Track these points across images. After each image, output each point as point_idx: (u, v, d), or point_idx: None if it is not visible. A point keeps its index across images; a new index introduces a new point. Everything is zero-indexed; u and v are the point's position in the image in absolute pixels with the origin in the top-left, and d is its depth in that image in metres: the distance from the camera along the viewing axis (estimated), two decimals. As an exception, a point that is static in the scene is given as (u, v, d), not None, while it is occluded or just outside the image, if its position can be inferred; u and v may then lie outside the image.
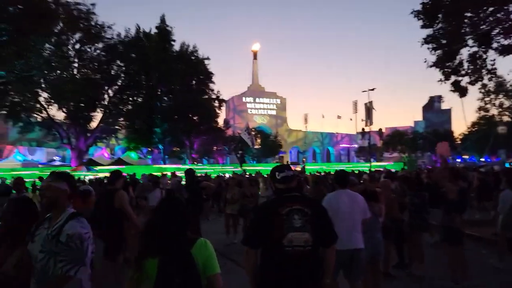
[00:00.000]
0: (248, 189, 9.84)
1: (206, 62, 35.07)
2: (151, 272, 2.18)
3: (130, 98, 33.29)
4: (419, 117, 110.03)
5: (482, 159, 62.72)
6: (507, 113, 51.66)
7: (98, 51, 33.31)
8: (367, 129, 33.67)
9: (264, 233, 2.74)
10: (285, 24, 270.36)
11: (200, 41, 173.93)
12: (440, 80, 12.52)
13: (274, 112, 79.54)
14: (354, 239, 4.13)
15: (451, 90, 12.49)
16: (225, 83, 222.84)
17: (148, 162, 33.78)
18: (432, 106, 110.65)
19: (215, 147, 44.53)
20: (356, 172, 20.86)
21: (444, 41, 11.15)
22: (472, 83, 12.44)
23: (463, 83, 12.59)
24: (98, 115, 33.97)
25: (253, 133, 52.73)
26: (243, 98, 77.47)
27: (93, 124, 33.53)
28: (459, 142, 65.07)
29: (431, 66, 12.08)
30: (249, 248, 2.83)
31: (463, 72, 12.20)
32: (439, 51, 11.39)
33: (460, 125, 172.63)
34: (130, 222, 5.04)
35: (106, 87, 33.74)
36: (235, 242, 8.56)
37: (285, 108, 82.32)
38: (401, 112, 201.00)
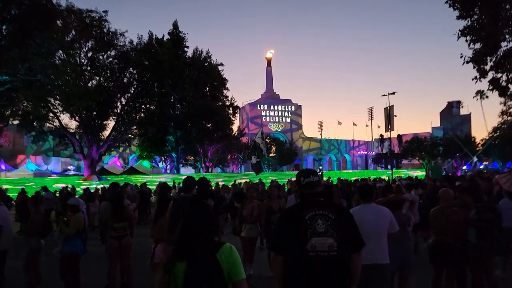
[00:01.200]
0: (276, 202, 7.49)
1: (219, 68, 34.36)
2: (179, 276, 2.22)
3: (143, 106, 32.70)
4: (436, 123, 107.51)
5: (506, 166, 60.38)
6: (532, 117, 49.50)
7: (110, 58, 33.07)
8: (386, 135, 32.37)
9: (288, 238, 2.75)
10: (299, 30, 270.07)
11: (214, 48, 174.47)
12: (476, 78, 11.31)
13: (289, 120, 78.46)
14: (378, 254, 3.94)
15: (490, 89, 11.26)
16: (239, 91, 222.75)
17: (161, 171, 33.06)
18: (450, 111, 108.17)
19: (229, 155, 43.65)
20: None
21: (483, 33, 9.99)
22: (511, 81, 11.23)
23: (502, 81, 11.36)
24: (111, 124, 33.76)
25: (267, 140, 52.11)
26: (258, 106, 76.61)
27: (106, 133, 33.27)
28: (480, 148, 62.89)
29: (468, 62, 10.90)
30: (276, 254, 2.82)
31: (503, 68, 10.99)
32: (478, 45, 10.23)
33: (480, 131, 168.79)
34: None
35: (118, 95, 33.40)
36: (251, 273, 6.94)
37: (300, 115, 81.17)
38: (418, 119, 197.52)
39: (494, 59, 10.74)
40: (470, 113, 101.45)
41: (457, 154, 61.47)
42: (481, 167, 64.03)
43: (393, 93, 27.41)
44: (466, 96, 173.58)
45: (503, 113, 56.64)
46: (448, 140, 63.34)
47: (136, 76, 33.17)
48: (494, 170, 57.09)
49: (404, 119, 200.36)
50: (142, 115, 33.00)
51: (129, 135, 35.51)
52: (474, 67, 11.34)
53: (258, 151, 16.12)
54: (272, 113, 77.15)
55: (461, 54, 11.01)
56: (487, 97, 55.72)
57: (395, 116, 29.01)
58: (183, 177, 5.48)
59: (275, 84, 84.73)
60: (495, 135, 61.41)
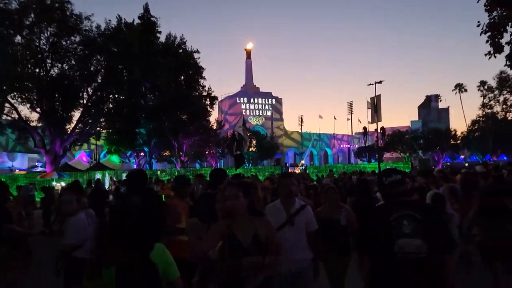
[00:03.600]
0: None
1: (195, 56, 32.01)
2: (110, 280, 2.16)
3: (111, 96, 30.14)
4: (414, 117, 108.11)
5: (485, 159, 60.50)
6: (512, 109, 49.31)
7: (75, 45, 30.39)
8: (371, 127, 30.97)
9: (374, 239, 2.72)
10: (279, 22, 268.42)
11: (191, 39, 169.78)
12: (489, 54, 9.57)
13: (269, 113, 76.56)
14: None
15: (507, 65, 9.56)
16: (218, 83, 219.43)
17: (133, 167, 30.61)
18: (429, 105, 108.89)
19: (207, 150, 41.43)
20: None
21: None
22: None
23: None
24: (77, 116, 31.14)
25: (248, 133, 50.05)
26: (237, 99, 74.37)
27: (73, 126, 30.66)
28: (458, 142, 62.86)
29: (485, 32, 9.14)
30: (362, 255, 2.82)
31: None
32: (498, 11, 8.51)
33: (458, 125, 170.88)
34: None
35: (85, 84, 30.79)
36: None
37: (281, 108, 79.43)
38: (396, 112, 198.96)
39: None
40: (448, 107, 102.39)
41: (437, 148, 61.41)
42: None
43: (380, 82, 25.95)
44: (444, 90, 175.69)
45: (484, 105, 56.67)
46: (428, 133, 63.20)
47: (103, 63, 30.61)
48: (475, 163, 56.89)
49: (383, 112, 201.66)
50: (110, 105, 30.49)
51: (98, 128, 32.99)
52: (487, 41, 9.56)
53: (239, 143, 14.08)
54: (252, 106, 75.03)
55: (478, 22, 9.22)
56: (466, 90, 55.10)
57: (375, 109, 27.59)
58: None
59: (255, 77, 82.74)
60: (474, 128, 61.52)
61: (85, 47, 29.93)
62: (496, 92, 49.31)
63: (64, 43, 29.89)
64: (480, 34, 9.13)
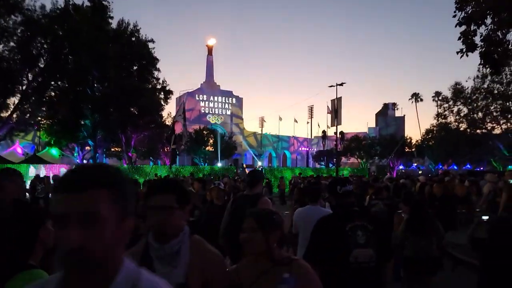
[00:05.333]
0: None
1: (150, 45, 29.94)
2: None
3: (53, 82, 27.45)
4: (371, 123, 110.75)
5: (437, 167, 62.45)
6: (464, 120, 50.76)
7: (16, 25, 27.47)
8: (330, 131, 30.36)
9: (328, 249, 2.72)
10: (241, 21, 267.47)
11: (149, 30, 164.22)
12: (461, 52, 8.69)
13: (229, 112, 75.00)
14: None
15: (481, 64, 8.71)
16: (177, 79, 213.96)
17: (74, 161, 28.06)
18: (386, 112, 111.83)
19: (161, 146, 39.26)
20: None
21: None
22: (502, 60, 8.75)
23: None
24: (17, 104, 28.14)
25: (204, 132, 48.34)
26: (196, 96, 72.20)
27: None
28: (413, 149, 64.51)
29: (460, 24, 8.22)
30: (313, 265, 2.54)
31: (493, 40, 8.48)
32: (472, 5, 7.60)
33: (413, 133, 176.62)
34: None
35: (27, 69, 27.91)
36: None
37: (242, 108, 78.09)
38: (354, 119, 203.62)
39: (490, 26, 8.15)
40: (404, 115, 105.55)
41: (392, 155, 62.64)
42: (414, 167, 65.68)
43: (342, 84, 25.18)
44: (401, 98, 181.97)
45: (438, 115, 58.29)
46: (385, 140, 64.27)
47: (46, 47, 27.88)
48: (427, 171, 58.34)
49: (342, 118, 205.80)
50: (53, 93, 27.80)
51: (38, 117, 30.09)
52: (459, 38, 8.68)
53: (177, 135, 12.55)
54: (211, 104, 73.15)
55: (455, 12, 8.28)
56: (421, 100, 56.13)
57: (336, 112, 26.92)
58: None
59: (216, 75, 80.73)
60: (428, 137, 63.28)
61: (26, 28, 27.13)
62: (450, 102, 50.51)
63: (3, 22, 26.93)
64: (455, 26, 8.21)
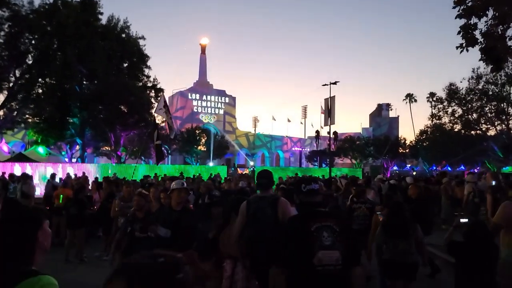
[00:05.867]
0: None
1: (141, 42, 29.33)
2: None
3: (40, 79, 26.72)
4: (365, 124, 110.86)
5: (431, 169, 62.50)
6: (459, 121, 50.62)
7: (3, 20, 26.71)
8: (323, 131, 29.89)
9: (292, 250, 2.60)
10: (235, 20, 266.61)
11: (141, 28, 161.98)
12: (461, 47, 8.26)
13: (222, 112, 74.37)
14: None
15: (482, 59, 8.27)
16: (169, 78, 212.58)
17: (62, 160, 27.33)
18: (380, 113, 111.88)
19: (152, 145, 38.54)
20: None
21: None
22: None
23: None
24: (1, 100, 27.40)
25: (197, 131, 47.69)
26: (189, 94, 71.50)
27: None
28: (407, 150, 64.45)
29: (460, 16, 7.78)
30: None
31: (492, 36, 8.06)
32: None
33: (407, 134, 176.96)
34: None
35: (14, 65, 27.15)
36: None
37: (235, 107, 77.51)
38: (348, 119, 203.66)
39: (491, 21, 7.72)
40: (398, 116, 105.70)
41: (386, 156, 62.47)
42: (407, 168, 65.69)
43: (335, 82, 24.79)
44: (395, 99, 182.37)
45: (432, 116, 58.27)
46: (379, 140, 64.11)
47: (34, 43, 27.15)
48: (421, 172, 58.24)
49: (335, 118, 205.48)
50: (40, 90, 27.07)
51: (25, 115, 29.35)
52: (459, 32, 8.24)
53: (160, 129, 11.98)
54: (204, 104, 72.49)
55: (455, 2, 7.82)
56: (415, 100, 55.96)
57: (329, 112, 26.44)
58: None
59: (209, 74, 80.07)
60: (421, 137, 63.20)
61: (13, 23, 26.39)
62: (445, 103, 50.36)
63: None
64: (455, 18, 7.76)
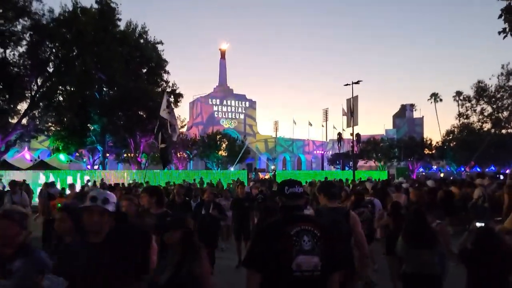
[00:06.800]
0: None
1: (159, 47, 29.21)
2: None
3: (60, 87, 26.87)
4: (388, 125, 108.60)
5: (459, 170, 60.31)
6: (488, 120, 48.53)
7: (25, 29, 27.08)
8: (345, 133, 28.89)
9: (270, 255, 2.51)
10: (255, 23, 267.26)
11: (161, 35, 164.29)
12: (504, 32, 7.42)
13: (242, 116, 74.12)
14: None
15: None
16: (189, 84, 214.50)
17: (83, 167, 27.39)
18: (404, 114, 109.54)
19: (173, 151, 38.48)
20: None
21: None
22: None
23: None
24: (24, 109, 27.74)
25: (218, 136, 47.46)
26: (210, 100, 71.58)
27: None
28: (433, 151, 62.36)
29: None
30: (254, 271, 2.56)
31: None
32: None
33: (432, 135, 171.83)
34: (360, 250, 3.93)
35: (35, 73, 27.47)
36: None
37: (255, 112, 77.12)
38: (371, 121, 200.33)
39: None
40: (423, 116, 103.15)
41: (411, 158, 60.67)
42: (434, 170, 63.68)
43: (358, 82, 23.85)
44: (419, 99, 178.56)
45: (460, 115, 56.14)
46: (404, 142, 62.38)
47: (55, 51, 27.39)
48: (449, 173, 56.20)
49: (358, 119, 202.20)
50: (60, 98, 27.23)
51: (48, 123, 29.65)
52: (500, 16, 7.41)
53: (165, 133, 11.45)
54: (225, 109, 72.46)
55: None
56: (441, 100, 53.92)
57: (352, 112, 25.48)
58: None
59: (229, 78, 79.98)
60: (448, 138, 61.06)
61: (35, 32, 26.71)
62: (473, 101, 48.43)
63: (11, 27, 26.54)
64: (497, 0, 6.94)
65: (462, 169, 58.90)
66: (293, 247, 2.48)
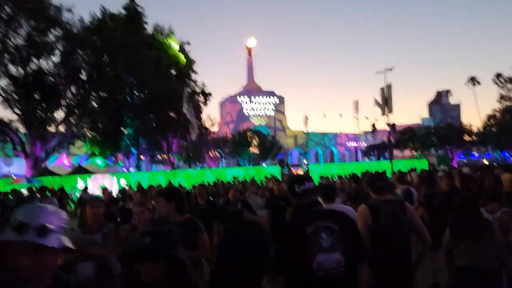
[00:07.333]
0: None
1: (187, 48, 29.37)
2: None
3: (93, 93, 27.54)
4: (424, 114, 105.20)
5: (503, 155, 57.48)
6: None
7: (54, 38, 27.94)
8: (381, 123, 27.90)
9: (290, 257, 2.43)
10: (281, 17, 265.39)
11: (188, 35, 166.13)
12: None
13: (272, 113, 73.81)
14: None
15: None
16: (218, 83, 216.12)
17: (119, 170, 27.97)
18: (439, 101, 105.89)
19: (205, 150, 38.78)
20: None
21: None
22: None
23: None
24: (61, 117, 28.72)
25: (249, 134, 47.43)
26: (238, 98, 71.74)
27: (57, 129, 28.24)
28: (475, 138, 59.64)
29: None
30: (276, 276, 2.50)
31: None
32: None
33: (470, 120, 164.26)
34: (424, 242, 3.60)
35: (69, 82, 28.35)
36: None
37: (284, 107, 76.63)
38: (405, 110, 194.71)
39: None
40: (461, 103, 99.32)
41: (450, 145, 58.38)
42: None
43: (391, 69, 23.02)
44: (454, 84, 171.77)
45: (502, 97, 53.40)
46: (442, 129, 60.13)
47: (87, 58, 28.11)
48: (493, 160, 53.65)
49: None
50: (95, 104, 27.93)
51: (84, 129, 30.56)
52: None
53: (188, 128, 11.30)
54: (253, 106, 72.37)
55: None
56: (479, 83, 51.03)
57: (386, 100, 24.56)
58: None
59: (257, 75, 79.73)
60: (490, 122, 58.21)
61: (67, 42, 27.48)
62: (515, 83, 45.88)
63: (44, 38, 27.45)
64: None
65: (506, 154, 56.16)
66: (311, 247, 2.40)
